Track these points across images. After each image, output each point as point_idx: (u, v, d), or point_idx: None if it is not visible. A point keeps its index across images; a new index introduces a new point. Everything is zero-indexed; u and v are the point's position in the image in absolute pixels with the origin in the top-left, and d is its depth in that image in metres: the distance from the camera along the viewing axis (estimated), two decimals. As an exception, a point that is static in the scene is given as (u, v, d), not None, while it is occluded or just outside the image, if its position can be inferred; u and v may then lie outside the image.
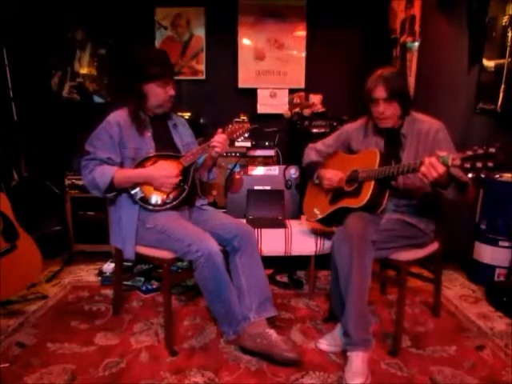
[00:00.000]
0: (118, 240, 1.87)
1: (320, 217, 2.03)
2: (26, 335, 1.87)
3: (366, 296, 1.63)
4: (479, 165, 1.34)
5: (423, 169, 1.48)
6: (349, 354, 1.61)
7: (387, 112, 1.76)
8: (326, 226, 2.17)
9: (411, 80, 2.87)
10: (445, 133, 1.78)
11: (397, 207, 1.84)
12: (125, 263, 2.25)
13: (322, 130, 2.76)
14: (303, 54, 3.30)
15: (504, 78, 2.39)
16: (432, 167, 1.45)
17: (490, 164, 1.32)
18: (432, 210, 1.84)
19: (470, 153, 1.37)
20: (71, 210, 2.81)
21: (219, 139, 1.82)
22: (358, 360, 1.57)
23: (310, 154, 2.13)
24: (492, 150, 1.33)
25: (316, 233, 2.26)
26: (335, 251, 1.72)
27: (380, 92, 1.73)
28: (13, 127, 2.96)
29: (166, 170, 1.80)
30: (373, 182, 1.75)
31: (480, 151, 1.35)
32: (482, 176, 1.35)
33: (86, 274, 2.63)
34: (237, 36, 3.27)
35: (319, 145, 2.12)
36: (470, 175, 1.39)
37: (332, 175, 1.95)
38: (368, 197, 1.74)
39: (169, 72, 1.86)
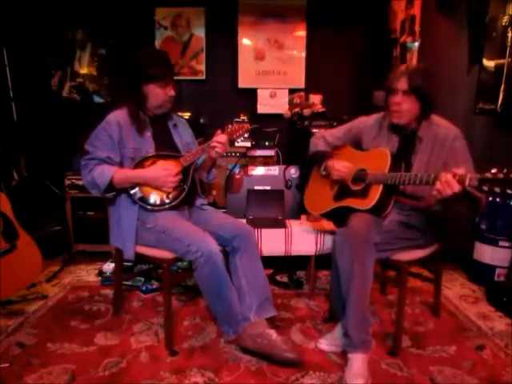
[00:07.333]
0: (118, 240, 1.87)
1: (322, 211, 2.00)
2: (25, 335, 1.87)
3: (368, 298, 1.63)
4: (497, 190, 1.30)
5: (438, 185, 1.44)
6: (349, 355, 1.61)
7: (404, 105, 1.70)
8: (326, 220, 2.14)
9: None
10: (462, 141, 1.72)
11: (401, 210, 1.81)
12: (125, 263, 2.25)
13: (322, 130, 2.75)
14: (303, 54, 3.29)
15: (504, 77, 2.38)
16: (448, 185, 1.41)
17: (510, 191, 1.28)
18: (435, 214, 1.81)
19: (488, 175, 1.32)
20: (71, 210, 2.81)
21: (220, 139, 1.82)
22: (358, 362, 1.57)
23: (319, 143, 2.05)
24: None
25: (316, 233, 2.26)
26: (337, 252, 1.71)
27: (402, 83, 1.68)
28: (13, 127, 2.96)
29: (166, 170, 1.80)
30: (381, 186, 1.71)
31: (500, 175, 1.30)
32: (498, 200, 1.32)
33: (86, 274, 2.63)
34: (237, 36, 3.27)
35: (328, 136, 2.04)
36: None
37: (341, 167, 1.88)
38: (375, 201, 1.71)
39: (169, 73, 1.85)
